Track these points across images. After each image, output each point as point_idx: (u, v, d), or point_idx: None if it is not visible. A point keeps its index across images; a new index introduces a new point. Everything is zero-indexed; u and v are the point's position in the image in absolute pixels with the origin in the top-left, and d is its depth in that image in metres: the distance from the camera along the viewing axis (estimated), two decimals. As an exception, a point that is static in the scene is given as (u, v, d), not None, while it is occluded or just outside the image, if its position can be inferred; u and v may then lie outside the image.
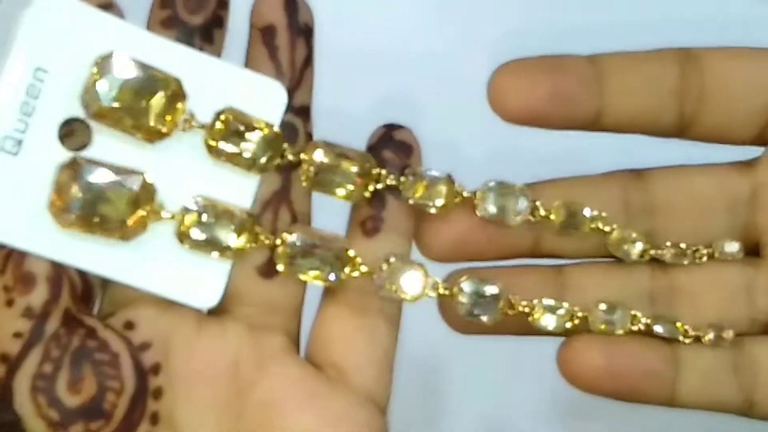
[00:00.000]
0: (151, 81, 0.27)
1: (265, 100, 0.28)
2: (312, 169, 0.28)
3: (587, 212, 0.29)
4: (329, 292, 0.30)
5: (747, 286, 0.29)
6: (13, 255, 0.27)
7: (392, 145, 0.29)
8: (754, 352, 0.29)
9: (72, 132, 0.27)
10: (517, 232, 0.29)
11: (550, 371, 0.29)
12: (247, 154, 0.28)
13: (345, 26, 0.30)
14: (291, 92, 0.29)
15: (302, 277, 0.28)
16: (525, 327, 0.29)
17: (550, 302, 0.29)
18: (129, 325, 0.28)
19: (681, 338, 0.29)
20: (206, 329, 0.28)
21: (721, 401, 0.29)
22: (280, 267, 0.28)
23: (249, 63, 0.29)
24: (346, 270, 0.28)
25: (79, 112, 0.27)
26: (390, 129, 0.30)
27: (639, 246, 0.29)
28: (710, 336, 0.29)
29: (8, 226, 0.26)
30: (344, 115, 0.32)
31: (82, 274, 0.27)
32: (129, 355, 0.27)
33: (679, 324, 0.29)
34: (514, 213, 0.29)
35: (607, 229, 0.29)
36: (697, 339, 0.29)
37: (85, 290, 0.28)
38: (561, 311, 0.29)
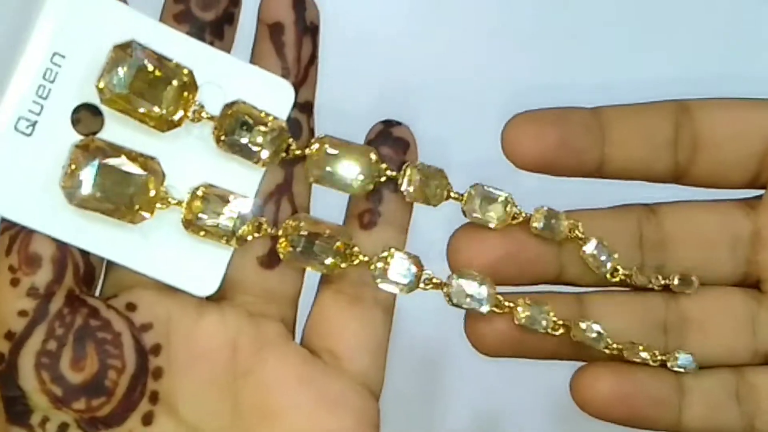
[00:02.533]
0: (164, 70, 0.28)
1: (272, 97, 0.29)
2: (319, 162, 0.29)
3: (564, 222, 0.30)
4: (326, 281, 0.30)
5: (750, 318, 0.31)
6: (19, 236, 0.27)
7: (389, 141, 0.30)
8: (755, 381, 0.30)
9: (84, 117, 0.28)
10: (543, 259, 0.30)
11: (546, 368, 0.31)
12: (253, 147, 0.29)
13: (344, 21, 0.31)
14: (296, 88, 0.29)
15: (304, 267, 0.29)
16: (550, 352, 0.30)
17: (535, 307, 0.30)
18: (130, 307, 0.28)
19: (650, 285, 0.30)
20: (206, 313, 0.29)
21: (724, 428, 0.30)
22: (283, 256, 0.29)
23: (255, 58, 0.30)
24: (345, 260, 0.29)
25: (92, 98, 0.28)
26: (388, 125, 0.31)
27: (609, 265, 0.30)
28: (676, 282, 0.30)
29: (19, 204, 0.27)
30: (342, 111, 0.32)
31: (85, 257, 0.28)
32: (130, 335, 0.28)
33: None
34: (496, 217, 0.30)
35: (581, 235, 0.30)
36: (666, 287, 0.30)
37: (87, 272, 0.28)
38: (544, 314, 0.30)
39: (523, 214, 0.30)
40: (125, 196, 0.27)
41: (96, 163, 0.27)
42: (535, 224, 0.30)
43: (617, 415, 0.30)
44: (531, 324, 0.29)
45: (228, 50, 0.29)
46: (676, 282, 0.30)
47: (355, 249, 0.29)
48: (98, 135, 0.28)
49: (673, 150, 0.30)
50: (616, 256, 0.30)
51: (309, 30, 0.29)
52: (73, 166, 0.27)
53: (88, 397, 0.27)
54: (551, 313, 0.30)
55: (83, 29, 0.28)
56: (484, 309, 0.29)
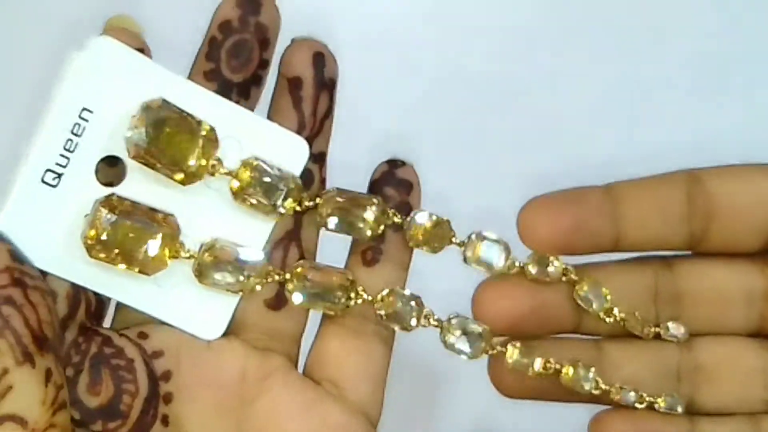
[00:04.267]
0: (191, 127, 0.29)
1: (288, 152, 0.30)
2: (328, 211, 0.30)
3: (555, 264, 0.31)
4: (329, 315, 0.32)
5: (763, 368, 0.31)
6: None
7: (394, 182, 0.31)
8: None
9: (108, 169, 0.29)
10: (563, 312, 0.31)
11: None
12: (267, 202, 0.30)
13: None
14: (310, 140, 0.30)
15: (313, 308, 0.31)
16: (568, 395, 0.31)
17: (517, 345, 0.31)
18: (142, 335, 0.30)
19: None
20: (215, 343, 0.30)
21: None
22: (297, 298, 0.30)
23: (274, 109, 0.31)
24: (350, 298, 0.30)
25: (117, 152, 0.29)
26: (392, 165, 0.32)
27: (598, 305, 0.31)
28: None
29: (44, 253, 0.28)
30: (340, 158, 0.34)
31: (96, 294, 0.29)
32: (142, 361, 0.29)
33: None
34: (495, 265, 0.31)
35: (574, 278, 0.31)
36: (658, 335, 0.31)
37: (98, 308, 0.29)
38: (527, 359, 0.30)
39: (516, 264, 0.31)
40: (140, 251, 0.29)
41: (114, 220, 0.28)
42: (530, 269, 0.30)
43: None
44: (520, 367, 0.30)
45: (252, 109, 0.30)
46: (668, 330, 0.31)
47: (359, 289, 0.30)
48: (121, 184, 0.29)
49: (688, 222, 0.30)
50: (608, 298, 0.31)
51: (327, 86, 0.30)
52: (93, 223, 0.28)
53: (104, 420, 0.28)
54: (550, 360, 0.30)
55: (111, 84, 0.28)
56: (465, 357, 0.30)
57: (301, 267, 0.30)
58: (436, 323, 0.31)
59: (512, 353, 0.30)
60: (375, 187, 0.31)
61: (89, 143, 0.28)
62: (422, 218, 0.31)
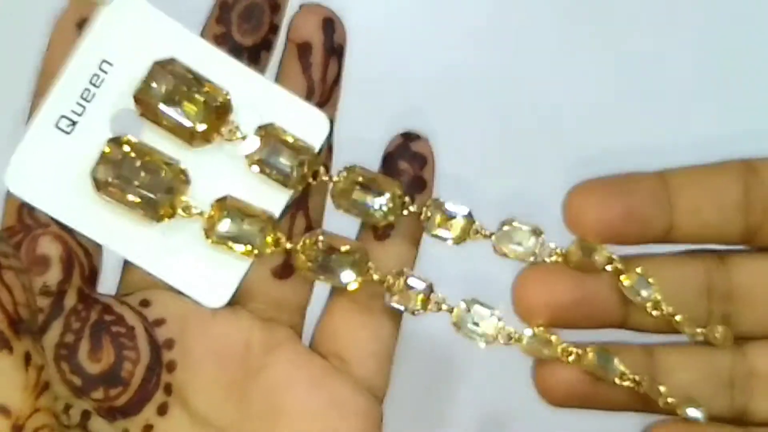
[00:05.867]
0: (201, 89, 0.29)
1: (308, 127, 0.30)
2: (342, 190, 0.30)
3: (602, 253, 0.29)
4: (339, 290, 0.31)
5: None
6: (24, 242, 0.28)
7: (408, 155, 0.31)
8: None
9: (124, 123, 0.29)
10: (610, 304, 0.29)
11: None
12: (282, 170, 0.29)
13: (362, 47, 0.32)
14: (319, 107, 0.30)
15: (318, 280, 0.30)
16: (618, 403, 0.30)
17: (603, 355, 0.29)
18: (144, 303, 0.29)
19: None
20: (220, 313, 0.30)
21: None
22: (301, 270, 0.30)
23: (281, 75, 0.30)
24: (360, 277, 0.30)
25: (133, 106, 0.29)
26: (407, 138, 0.31)
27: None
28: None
29: (52, 198, 0.28)
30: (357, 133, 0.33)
31: (89, 258, 0.29)
32: (143, 329, 0.29)
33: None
34: (526, 251, 0.30)
35: (619, 266, 0.29)
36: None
37: (91, 272, 0.29)
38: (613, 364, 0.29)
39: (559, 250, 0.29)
40: (152, 191, 0.29)
41: (125, 158, 0.28)
42: (573, 256, 0.29)
43: None
44: (599, 371, 0.29)
45: (262, 73, 0.30)
46: (716, 335, 0.30)
47: (370, 264, 0.30)
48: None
49: (744, 213, 0.29)
50: (655, 289, 0.29)
51: (336, 51, 0.30)
52: (104, 159, 0.28)
53: (105, 386, 0.28)
54: (620, 365, 0.29)
55: (133, 40, 0.29)
56: (482, 344, 0.30)
57: (313, 236, 0.30)
58: (447, 309, 0.30)
59: (592, 358, 0.29)
60: (388, 159, 0.31)
61: (106, 95, 0.29)
62: (455, 210, 0.30)
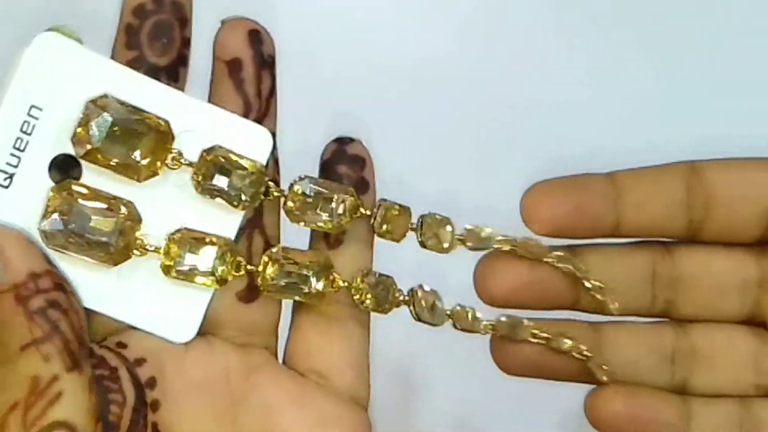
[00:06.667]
0: (139, 122, 0.28)
1: (252, 144, 0.29)
2: (296, 203, 0.30)
3: (488, 232, 0.31)
4: (301, 304, 0.31)
5: (754, 353, 0.32)
6: None
7: (346, 159, 0.31)
8: (759, 413, 0.31)
9: (62, 168, 0.28)
10: (562, 287, 0.31)
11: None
12: (232, 191, 0.29)
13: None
14: (259, 122, 0.29)
15: (286, 297, 0.30)
16: (567, 374, 0.32)
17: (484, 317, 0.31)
18: (121, 345, 0.29)
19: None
20: (194, 346, 0.29)
21: None
22: (265, 291, 0.29)
23: (214, 95, 0.30)
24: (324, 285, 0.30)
25: (70, 149, 0.28)
26: (341, 143, 0.31)
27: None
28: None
29: None
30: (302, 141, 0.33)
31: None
32: (126, 370, 0.28)
33: None
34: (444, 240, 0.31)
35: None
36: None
37: None
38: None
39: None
40: (104, 235, 0.28)
41: (72, 206, 0.27)
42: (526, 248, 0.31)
43: None
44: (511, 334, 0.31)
45: (182, 90, 0.29)
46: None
47: (334, 272, 0.30)
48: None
49: (686, 211, 0.31)
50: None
51: (267, 63, 0.29)
52: (49, 208, 0.27)
53: None
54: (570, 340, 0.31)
55: (60, 81, 0.28)
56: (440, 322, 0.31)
57: (273, 254, 0.29)
58: (404, 300, 0.31)
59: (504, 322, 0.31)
60: (327, 166, 0.31)
61: (41, 141, 0.28)
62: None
